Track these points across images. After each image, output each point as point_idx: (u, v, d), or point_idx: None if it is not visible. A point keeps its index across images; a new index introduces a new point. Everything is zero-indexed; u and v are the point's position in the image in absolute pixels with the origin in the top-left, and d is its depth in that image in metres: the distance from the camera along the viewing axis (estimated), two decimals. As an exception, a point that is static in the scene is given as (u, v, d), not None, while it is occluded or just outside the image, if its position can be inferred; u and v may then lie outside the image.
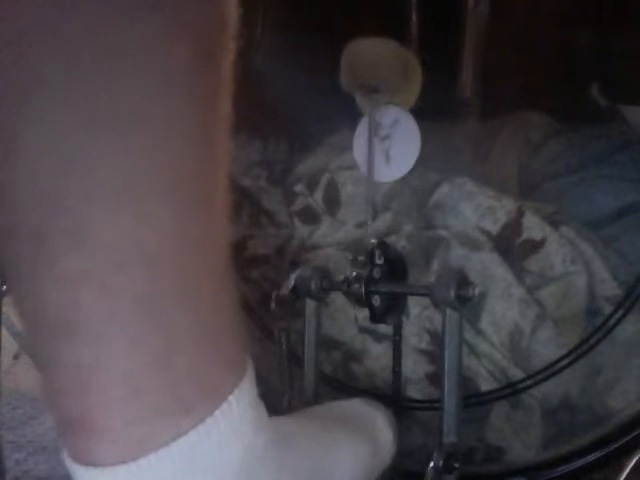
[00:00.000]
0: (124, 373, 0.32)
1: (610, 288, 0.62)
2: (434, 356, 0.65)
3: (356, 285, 0.55)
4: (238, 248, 0.75)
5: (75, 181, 0.30)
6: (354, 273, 0.56)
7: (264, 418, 0.37)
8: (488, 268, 0.64)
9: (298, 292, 0.56)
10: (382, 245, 0.57)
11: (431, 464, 0.49)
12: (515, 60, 0.71)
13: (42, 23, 0.29)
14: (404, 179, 0.66)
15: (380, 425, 0.47)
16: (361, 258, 0.56)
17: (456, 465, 0.49)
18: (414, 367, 0.66)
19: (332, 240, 0.72)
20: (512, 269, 0.64)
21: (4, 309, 0.72)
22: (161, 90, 0.31)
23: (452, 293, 0.50)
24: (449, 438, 0.51)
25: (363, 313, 0.66)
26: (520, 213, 0.65)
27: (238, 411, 0.34)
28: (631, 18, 0.67)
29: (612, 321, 0.61)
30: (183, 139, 0.32)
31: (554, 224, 0.64)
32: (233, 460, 0.34)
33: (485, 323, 0.64)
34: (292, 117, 0.73)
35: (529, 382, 0.63)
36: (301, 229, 0.74)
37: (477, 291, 0.51)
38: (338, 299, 0.66)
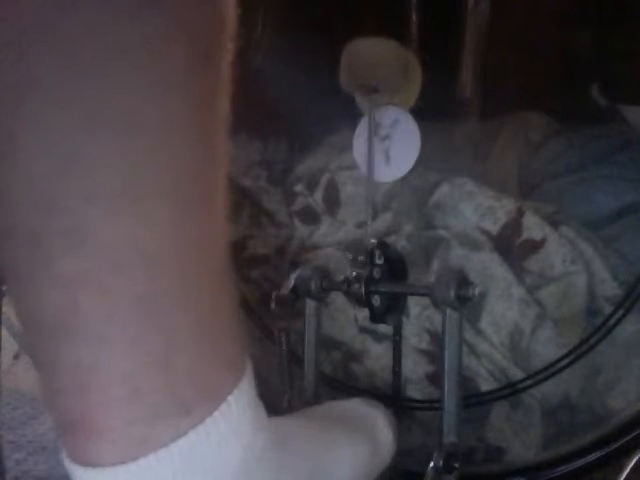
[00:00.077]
0: (124, 373, 0.32)
1: (610, 288, 0.62)
2: (434, 356, 0.65)
3: (356, 285, 0.55)
4: (238, 248, 0.75)
5: (73, 182, 0.30)
6: (354, 273, 0.56)
7: (263, 418, 0.37)
8: (488, 268, 0.64)
9: (298, 292, 0.56)
10: (382, 245, 0.57)
11: (431, 464, 0.49)
12: (515, 60, 0.71)
13: (41, 23, 0.29)
14: (404, 179, 0.66)
15: (380, 425, 0.47)
16: (361, 258, 0.56)
17: (456, 465, 0.49)
18: (414, 367, 0.66)
19: (332, 240, 0.72)
20: (512, 269, 0.64)
21: (4, 309, 0.72)
22: (159, 90, 0.31)
23: (452, 293, 0.50)
24: (449, 438, 0.51)
25: (363, 313, 0.66)
26: (520, 213, 0.65)
27: (237, 411, 0.35)
28: (631, 18, 0.67)
29: (612, 321, 0.61)
30: (182, 139, 0.32)
31: (554, 224, 0.64)
32: (232, 460, 0.34)
33: (485, 323, 0.64)
34: (292, 117, 0.73)
35: (529, 382, 0.63)
36: (301, 229, 0.74)
37: (477, 291, 0.51)
38: (338, 299, 0.66)
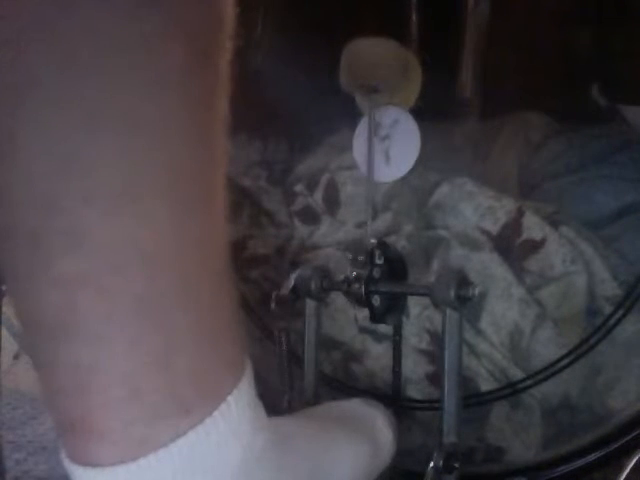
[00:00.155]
0: (123, 374, 0.32)
1: (610, 288, 0.62)
2: (434, 356, 0.65)
3: (356, 285, 0.55)
4: (238, 248, 0.75)
5: (72, 182, 0.30)
6: (354, 273, 0.56)
7: (263, 418, 0.37)
8: (488, 268, 0.64)
9: (298, 292, 0.56)
10: (382, 245, 0.57)
11: (431, 464, 0.49)
12: (515, 60, 0.71)
13: (40, 22, 0.29)
14: (404, 179, 0.66)
15: (380, 425, 0.47)
16: (361, 258, 0.56)
17: (456, 465, 0.49)
18: (414, 367, 0.66)
19: (332, 240, 0.72)
20: (512, 269, 0.64)
21: (4, 309, 0.72)
22: (158, 89, 0.31)
23: (452, 293, 0.50)
24: (449, 438, 0.51)
25: (363, 313, 0.66)
26: (520, 213, 0.65)
27: (237, 412, 0.34)
28: (631, 18, 0.67)
29: (612, 321, 0.61)
30: (180, 139, 0.32)
31: (554, 224, 0.64)
32: (232, 460, 0.34)
33: (485, 323, 0.64)
34: (292, 117, 0.73)
35: (529, 382, 0.63)
36: (301, 229, 0.74)
37: (477, 291, 0.51)
38: (338, 299, 0.66)
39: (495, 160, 0.72)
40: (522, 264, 0.64)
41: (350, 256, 0.57)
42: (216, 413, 0.34)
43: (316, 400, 0.57)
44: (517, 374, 0.64)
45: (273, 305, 0.56)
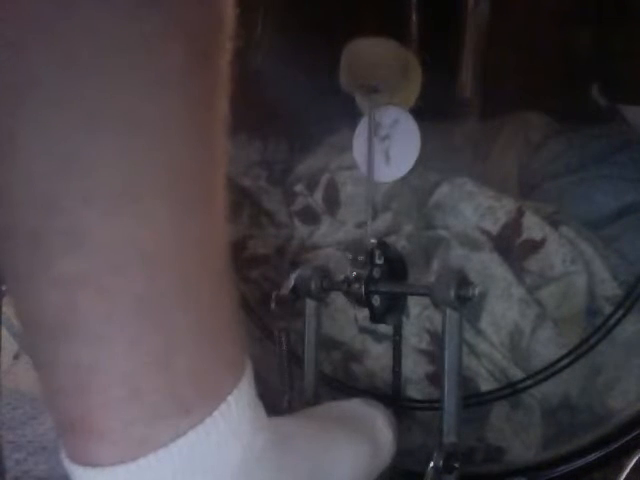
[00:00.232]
0: (123, 374, 0.32)
1: (610, 288, 0.62)
2: (434, 356, 0.65)
3: (356, 285, 0.55)
4: (238, 248, 0.75)
5: (72, 182, 0.30)
6: (354, 273, 0.56)
7: (263, 418, 0.37)
8: (488, 268, 0.64)
9: (298, 292, 0.56)
10: (382, 245, 0.57)
11: (431, 464, 0.49)
12: (515, 60, 0.71)
13: (40, 22, 0.29)
14: (404, 179, 0.66)
15: (380, 425, 0.47)
16: (361, 258, 0.56)
17: (456, 465, 0.49)
18: (414, 367, 0.66)
19: (332, 240, 0.72)
20: (512, 269, 0.64)
21: (4, 309, 0.72)
22: (158, 89, 0.31)
23: (452, 293, 0.50)
24: (449, 438, 0.51)
25: (363, 313, 0.66)
26: (520, 213, 0.65)
27: (237, 411, 0.34)
28: (631, 18, 0.67)
29: (612, 321, 0.61)
30: (180, 139, 0.32)
31: (554, 224, 0.64)
32: (232, 460, 0.34)
33: (485, 323, 0.64)
34: (292, 117, 0.73)
35: (529, 382, 0.63)
36: (301, 229, 0.74)
37: (477, 291, 0.51)
38: (338, 299, 0.66)
39: (495, 160, 0.72)
40: (522, 264, 0.64)
41: (350, 256, 0.57)
42: (216, 413, 0.34)
43: (316, 400, 0.57)
44: (517, 374, 0.64)
45: (273, 305, 0.56)
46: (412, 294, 0.58)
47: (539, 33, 0.71)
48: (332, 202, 0.73)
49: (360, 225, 0.70)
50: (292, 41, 0.73)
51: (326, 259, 0.71)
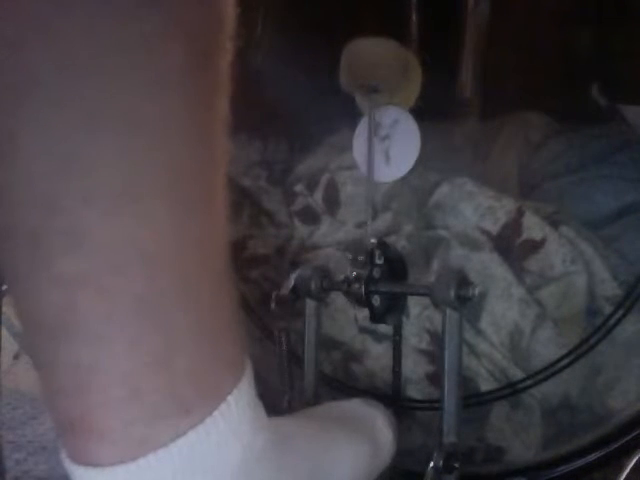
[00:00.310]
0: (123, 374, 0.32)
1: (610, 288, 0.62)
2: (434, 356, 0.65)
3: (356, 285, 0.55)
4: (238, 248, 0.75)
5: (72, 182, 0.30)
6: (354, 273, 0.56)
7: (263, 418, 0.37)
8: (488, 268, 0.64)
9: (298, 292, 0.56)
10: (382, 245, 0.57)
11: (431, 464, 0.49)
12: (515, 60, 0.71)
13: (40, 23, 0.29)
14: (404, 179, 0.66)
15: (380, 425, 0.47)
16: (361, 258, 0.56)
17: (456, 465, 0.49)
18: (414, 367, 0.66)
19: (332, 240, 0.72)
20: (512, 269, 0.64)
21: (4, 309, 0.72)
22: (158, 90, 0.31)
23: (452, 293, 0.50)
24: (449, 438, 0.51)
25: (363, 313, 0.66)
26: (520, 213, 0.65)
27: (237, 411, 0.35)
28: (631, 18, 0.67)
29: (612, 321, 0.61)
30: (180, 139, 0.32)
31: (554, 224, 0.64)
32: (232, 460, 0.34)
33: (485, 323, 0.64)
34: (292, 117, 0.73)
35: (529, 382, 0.63)
36: (301, 229, 0.74)
37: (477, 291, 0.51)
38: (338, 299, 0.66)
39: (495, 160, 0.72)
40: (522, 264, 0.64)
41: (350, 256, 0.57)
42: (216, 413, 0.34)
43: (316, 400, 0.57)
44: (517, 374, 0.64)
45: (273, 305, 0.56)
46: (412, 294, 0.58)
47: (539, 33, 0.71)
48: (332, 202, 0.73)
49: (360, 225, 0.70)
50: (292, 41, 0.73)
51: (326, 259, 0.71)
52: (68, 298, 0.31)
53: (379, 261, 0.56)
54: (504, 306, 0.64)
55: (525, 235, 0.64)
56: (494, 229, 0.65)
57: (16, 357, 1.09)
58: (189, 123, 0.32)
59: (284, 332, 0.57)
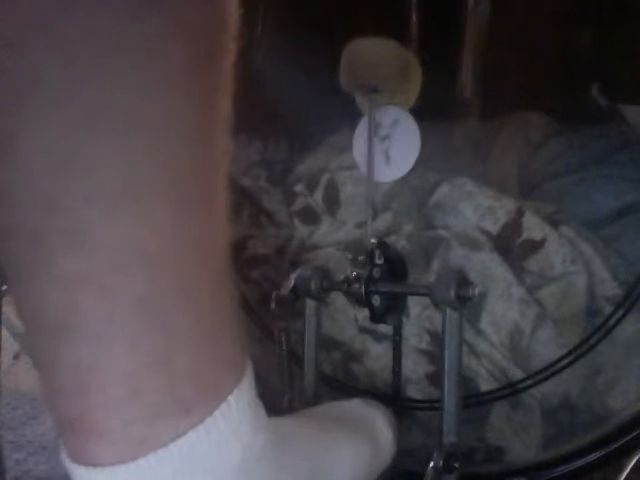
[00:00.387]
0: (124, 373, 0.32)
1: (610, 288, 0.62)
2: (434, 356, 0.65)
3: (356, 285, 0.55)
4: (238, 248, 0.75)
5: (73, 181, 0.30)
6: (354, 273, 0.56)
7: (263, 418, 0.37)
8: (488, 268, 0.64)
9: (298, 292, 0.56)
10: (382, 245, 0.57)
11: (431, 464, 0.49)
12: (515, 60, 0.71)
13: (41, 23, 0.29)
14: (404, 179, 0.66)
15: (380, 425, 0.47)
16: (361, 258, 0.56)
17: (456, 465, 0.49)
18: (414, 367, 0.66)
19: (332, 240, 0.72)
20: (512, 269, 0.64)
21: (4, 309, 0.72)
22: (159, 90, 0.31)
23: (452, 293, 0.50)
24: (449, 438, 0.51)
25: (363, 313, 0.66)
26: (520, 213, 0.65)
27: (237, 411, 0.35)
28: (631, 18, 0.67)
29: (612, 321, 0.61)
30: (181, 139, 0.32)
31: (554, 224, 0.64)
32: (232, 460, 0.34)
33: (485, 323, 0.64)
34: (292, 117, 0.73)
35: (529, 382, 0.63)
36: (301, 229, 0.74)
37: (477, 291, 0.51)
38: (338, 299, 0.66)
39: (495, 160, 0.72)
40: (522, 264, 0.64)
41: (350, 256, 0.57)
42: (217, 413, 0.34)
43: (316, 400, 0.57)
44: (517, 374, 0.64)
45: (273, 305, 0.56)
46: (412, 294, 0.58)
47: (539, 33, 0.71)
48: (332, 202, 0.73)
49: (360, 225, 0.70)
50: (292, 41, 0.73)
51: (326, 259, 0.71)
52: (69, 297, 0.31)
53: (379, 261, 0.56)
54: (504, 306, 0.64)
55: (525, 235, 0.64)
56: (494, 229, 0.65)
57: (16, 357, 1.09)
58: (191, 123, 0.32)
59: (284, 332, 0.57)
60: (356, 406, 0.49)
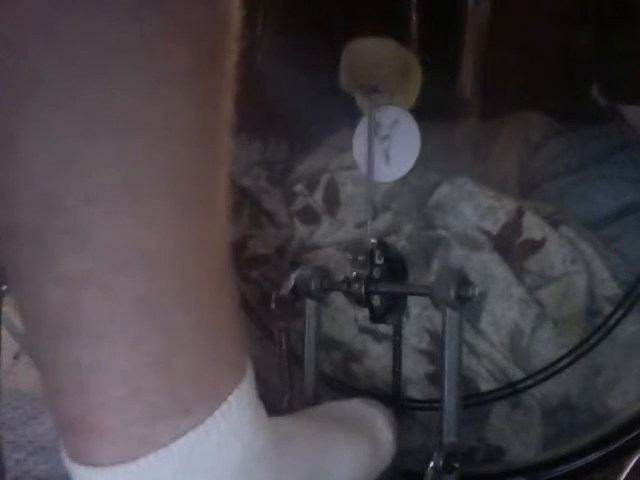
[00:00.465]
0: (124, 373, 0.32)
1: (610, 288, 0.62)
2: (434, 356, 0.65)
3: (356, 285, 0.55)
4: (238, 248, 0.75)
5: (74, 181, 0.30)
6: (354, 273, 0.56)
7: (263, 418, 0.37)
8: (488, 268, 0.64)
9: (298, 292, 0.56)
10: (382, 245, 0.57)
11: (431, 464, 0.49)
12: (515, 60, 0.71)
13: (40, 23, 0.29)
14: (404, 179, 0.66)
15: (380, 425, 0.47)
16: (361, 258, 0.56)
17: (456, 465, 0.49)
18: (414, 367, 0.66)
19: (332, 240, 0.72)
20: (512, 269, 0.64)
21: (4, 309, 0.72)
22: (160, 90, 0.31)
23: (452, 293, 0.50)
24: (449, 438, 0.51)
25: (363, 313, 0.66)
26: (520, 213, 0.65)
27: (237, 412, 0.35)
28: (631, 18, 0.67)
29: (612, 321, 0.61)
30: (182, 139, 0.32)
31: (554, 224, 0.64)
32: (232, 460, 0.34)
33: (485, 323, 0.64)
34: (292, 117, 0.73)
35: (529, 382, 0.63)
36: (301, 229, 0.74)
37: (477, 291, 0.51)
38: (338, 299, 0.66)
39: (495, 160, 0.72)
40: (522, 264, 0.64)
41: (350, 256, 0.57)
42: (217, 413, 0.34)
43: (316, 400, 0.57)
44: (517, 374, 0.64)
45: (273, 305, 0.56)
46: (412, 294, 0.58)
47: (539, 33, 0.71)
48: (332, 202, 0.73)
49: (360, 225, 0.70)
50: (292, 41, 0.73)
51: (326, 259, 0.71)
52: (70, 297, 0.31)
53: (379, 261, 0.56)
54: (504, 306, 0.64)
55: (525, 235, 0.64)
56: (494, 229, 0.65)
57: (16, 357, 1.09)
58: (192, 123, 0.32)
59: (284, 332, 0.57)
60: (356, 406, 0.49)
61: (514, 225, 0.65)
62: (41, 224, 0.30)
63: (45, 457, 0.99)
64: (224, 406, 0.34)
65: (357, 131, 0.66)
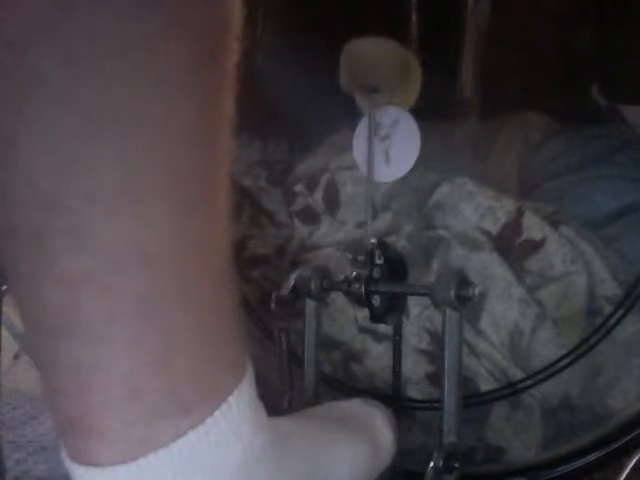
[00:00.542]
0: (124, 373, 0.32)
1: (610, 288, 0.62)
2: (434, 356, 0.65)
3: (356, 285, 0.55)
4: (238, 248, 0.75)
5: (74, 181, 0.30)
6: (354, 273, 0.56)
7: (263, 418, 0.37)
8: (488, 268, 0.64)
9: (298, 292, 0.56)
10: (382, 245, 0.57)
11: (431, 464, 0.49)
12: (515, 60, 0.71)
13: (41, 23, 0.29)
14: (404, 179, 0.66)
15: (380, 425, 0.47)
16: (361, 258, 0.56)
17: (456, 465, 0.49)
18: (414, 367, 0.66)
19: (332, 240, 0.72)
20: (512, 269, 0.64)
21: (4, 309, 0.72)
22: (161, 90, 0.31)
23: (452, 293, 0.50)
24: (449, 438, 0.51)
25: (363, 313, 0.66)
26: (520, 213, 0.65)
27: (237, 412, 0.35)
28: (631, 18, 0.67)
29: (612, 321, 0.61)
30: (183, 139, 0.32)
31: (554, 224, 0.64)
32: (232, 460, 0.34)
33: (485, 323, 0.64)
34: (292, 117, 0.73)
35: (529, 382, 0.63)
36: (301, 229, 0.74)
37: (477, 291, 0.51)
38: (338, 299, 0.66)
39: (495, 160, 0.72)
40: (522, 264, 0.64)
41: (350, 256, 0.57)
42: (217, 413, 0.34)
43: (316, 400, 0.57)
44: (517, 374, 0.64)
45: (273, 305, 0.56)
46: (412, 294, 0.58)
47: (539, 33, 0.71)
48: (332, 202, 0.73)
49: (360, 225, 0.70)
50: (292, 41, 0.73)
51: (326, 259, 0.71)
52: (71, 297, 0.31)
53: (379, 261, 0.56)
54: (504, 306, 0.64)
55: (525, 235, 0.64)
56: (494, 229, 0.65)
57: (16, 357, 1.09)
58: (192, 123, 0.32)
59: (284, 332, 0.57)
60: (356, 406, 0.49)
61: (514, 225, 0.65)
62: (41, 224, 0.30)
63: (45, 457, 0.99)
64: (224, 406, 0.34)
65: (357, 131, 0.66)
